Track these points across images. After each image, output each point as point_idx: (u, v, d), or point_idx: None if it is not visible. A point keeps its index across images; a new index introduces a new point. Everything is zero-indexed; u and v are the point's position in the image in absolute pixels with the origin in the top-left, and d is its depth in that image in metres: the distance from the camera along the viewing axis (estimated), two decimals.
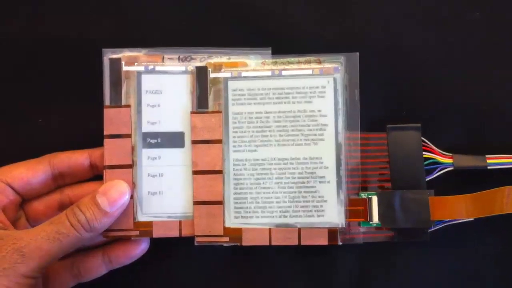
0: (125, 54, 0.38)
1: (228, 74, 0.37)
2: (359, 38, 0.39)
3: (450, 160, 0.37)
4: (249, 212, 0.37)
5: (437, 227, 0.36)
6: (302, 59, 0.37)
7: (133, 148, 0.37)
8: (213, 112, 0.37)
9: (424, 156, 0.36)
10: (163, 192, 0.37)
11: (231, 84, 0.37)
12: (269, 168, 0.37)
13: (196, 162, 0.37)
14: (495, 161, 0.36)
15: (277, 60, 0.37)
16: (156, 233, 0.37)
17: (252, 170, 0.37)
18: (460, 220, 0.35)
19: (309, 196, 0.36)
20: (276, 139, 0.37)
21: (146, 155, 0.37)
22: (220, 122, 0.37)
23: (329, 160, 0.36)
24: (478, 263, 0.37)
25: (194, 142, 0.37)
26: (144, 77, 0.38)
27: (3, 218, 0.36)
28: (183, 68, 0.38)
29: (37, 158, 0.37)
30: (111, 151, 0.37)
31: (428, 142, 0.37)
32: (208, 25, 0.40)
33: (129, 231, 0.37)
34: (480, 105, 0.38)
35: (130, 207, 0.37)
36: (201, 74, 0.37)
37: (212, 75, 0.37)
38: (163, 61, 0.38)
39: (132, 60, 0.38)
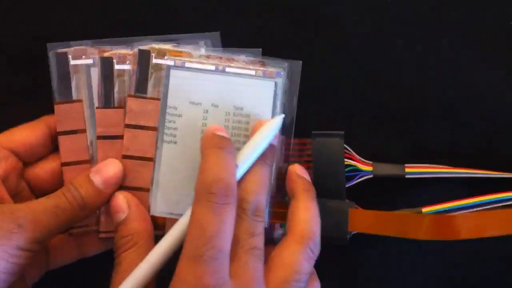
0: (71, 47, 0.37)
1: (171, 62, 0.37)
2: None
3: (370, 168, 0.38)
4: (175, 203, 0.37)
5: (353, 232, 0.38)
6: (247, 58, 0.37)
7: (91, 143, 0.37)
8: (151, 98, 0.37)
9: (345, 163, 0.38)
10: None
11: (173, 73, 0.37)
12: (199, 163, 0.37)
13: (128, 147, 0.37)
14: (413, 170, 0.38)
15: (223, 55, 0.37)
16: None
17: (183, 162, 0.37)
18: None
19: None
20: None
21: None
22: (157, 110, 0.37)
23: None
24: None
25: (128, 126, 0.37)
26: (93, 70, 0.37)
27: (3, 191, 0.35)
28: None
29: (33, 121, 0.37)
30: (66, 148, 0.36)
31: (350, 150, 0.38)
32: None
33: None
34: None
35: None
36: (143, 58, 0.37)
37: (155, 60, 0.37)
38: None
39: (80, 53, 0.37)
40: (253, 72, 0.37)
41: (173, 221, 0.36)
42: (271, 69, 0.37)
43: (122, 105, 0.37)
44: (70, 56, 0.37)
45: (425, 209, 0.37)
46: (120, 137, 0.37)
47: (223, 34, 0.38)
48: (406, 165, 0.38)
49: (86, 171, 0.36)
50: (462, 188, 0.38)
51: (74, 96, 0.37)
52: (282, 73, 0.37)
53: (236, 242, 0.33)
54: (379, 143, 0.40)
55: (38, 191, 0.38)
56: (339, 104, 0.40)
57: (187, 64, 0.37)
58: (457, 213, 0.36)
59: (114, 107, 0.37)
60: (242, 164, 0.34)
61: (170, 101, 0.37)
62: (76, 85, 0.37)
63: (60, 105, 0.37)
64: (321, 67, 0.40)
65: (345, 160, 0.38)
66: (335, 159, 0.38)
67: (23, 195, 0.37)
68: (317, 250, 0.34)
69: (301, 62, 0.37)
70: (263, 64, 0.37)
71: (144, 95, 0.37)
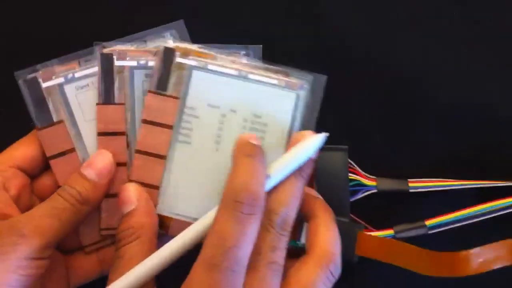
0: (39, 71, 0.37)
1: (194, 63, 0.37)
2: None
3: (373, 183, 0.38)
4: (183, 204, 0.36)
5: None
6: (271, 67, 0.37)
7: (84, 160, 0.37)
8: (170, 96, 0.37)
9: (349, 177, 0.37)
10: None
11: (195, 74, 0.36)
12: (212, 169, 0.36)
13: (141, 142, 0.36)
14: (416, 184, 0.38)
15: (247, 62, 0.37)
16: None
17: (195, 163, 0.36)
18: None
19: None
20: (224, 139, 0.36)
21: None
22: (175, 108, 0.36)
23: None
24: None
25: (144, 121, 0.36)
26: (67, 88, 0.37)
27: (13, 211, 0.35)
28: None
29: (25, 136, 0.37)
30: (60, 171, 0.36)
31: (354, 164, 0.38)
32: None
33: None
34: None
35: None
36: (167, 56, 0.37)
37: (178, 59, 0.37)
38: (79, 65, 0.37)
39: (49, 74, 0.37)
40: (275, 82, 0.36)
41: (178, 221, 0.36)
42: (294, 80, 0.36)
43: (122, 102, 0.37)
44: (40, 80, 0.37)
45: (428, 222, 0.37)
46: (121, 133, 0.37)
47: (227, 32, 0.38)
48: (409, 179, 0.39)
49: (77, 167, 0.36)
50: (467, 198, 0.38)
51: (55, 118, 0.37)
52: (305, 86, 0.36)
53: (257, 253, 0.32)
54: (382, 152, 0.40)
55: None
56: (340, 115, 0.40)
57: (210, 66, 0.37)
58: (464, 251, 0.35)
59: (114, 104, 0.37)
60: (276, 174, 0.33)
61: (189, 101, 0.36)
62: (54, 106, 0.37)
63: (43, 130, 0.37)
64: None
65: (349, 174, 0.38)
66: (339, 174, 0.37)
67: None
68: (337, 272, 0.33)
69: (326, 76, 0.37)
70: (286, 75, 0.37)
71: (164, 92, 0.37)
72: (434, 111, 0.41)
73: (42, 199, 0.37)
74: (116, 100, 0.37)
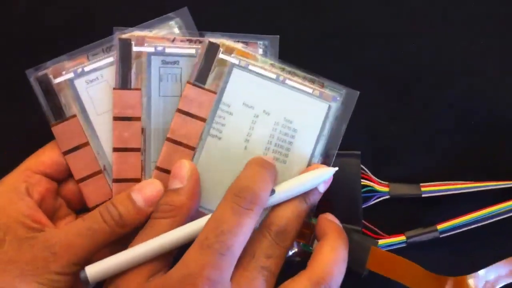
0: (49, 67, 0.37)
1: (236, 61, 0.38)
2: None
3: (386, 189, 0.39)
4: (205, 196, 0.37)
5: None
6: (308, 76, 0.38)
7: (98, 153, 0.37)
8: (208, 90, 0.37)
9: (361, 183, 0.38)
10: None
11: (236, 72, 0.37)
12: (238, 166, 0.37)
13: (173, 130, 0.37)
14: (429, 189, 0.38)
15: (286, 67, 0.38)
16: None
17: (222, 159, 0.37)
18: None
19: None
20: (254, 139, 0.37)
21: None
22: (211, 103, 0.37)
23: None
24: None
25: (179, 111, 0.37)
26: (77, 82, 0.37)
27: (40, 216, 0.35)
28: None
29: (53, 141, 0.38)
30: (76, 165, 0.37)
31: (367, 170, 0.39)
32: None
33: None
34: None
35: None
36: (211, 50, 0.37)
37: (221, 55, 0.37)
38: (88, 59, 0.38)
39: (59, 70, 0.37)
40: (310, 90, 0.38)
41: (198, 212, 0.37)
42: (328, 92, 0.38)
43: (138, 87, 0.37)
44: (51, 76, 0.37)
45: (439, 226, 0.37)
46: (136, 118, 0.37)
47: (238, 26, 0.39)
48: (421, 184, 0.38)
49: (129, 189, 0.36)
50: (480, 201, 0.38)
51: (67, 114, 0.37)
52: (338, 99, 0.38)
53: (251, 256, 0.33)
54: (394, 157, 0.40)
55: (79, 205, 0.38)
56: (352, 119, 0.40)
57: (251, 67, 0.38)
58: (469, 275, 0.35)
59: (131, 89, 0.37)
60: (281, 192, 0.35)
61: (226, 98, 0.37)
62: (65, 102, 0.37)
63: (57, 126, 0.37)
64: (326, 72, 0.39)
65: (362, 180, 0.38)
66: (352, 180, 0.38)
67: (61, 213, 0.38)
68: None
69: (358, 92, 0.38)
70: (322, 85, 0.38)
71: (202, 86, 0.37)
72: (446, 113, 0.40)
73: (68, 201, 0.38)
74: (133, 86, 0.37)
